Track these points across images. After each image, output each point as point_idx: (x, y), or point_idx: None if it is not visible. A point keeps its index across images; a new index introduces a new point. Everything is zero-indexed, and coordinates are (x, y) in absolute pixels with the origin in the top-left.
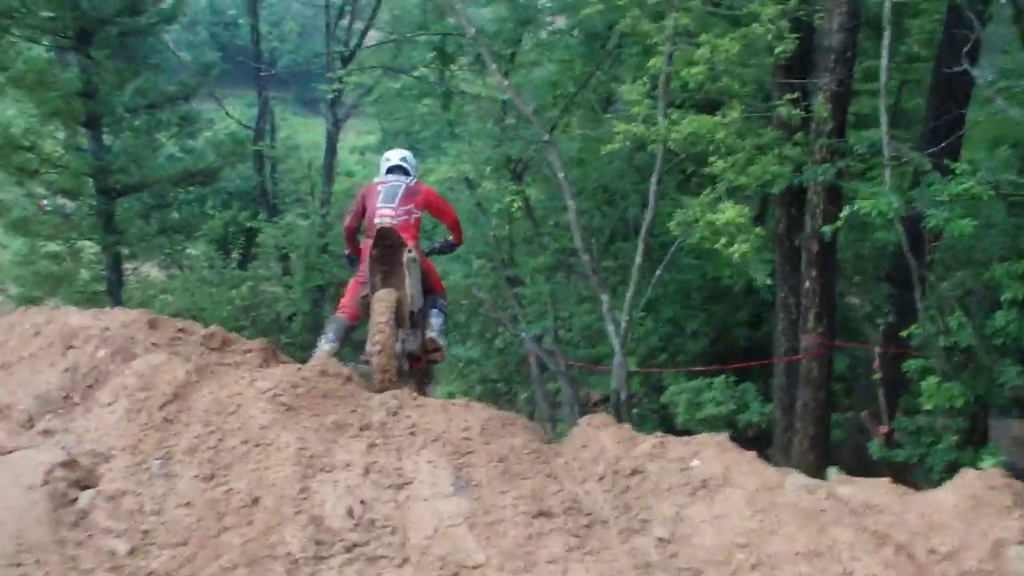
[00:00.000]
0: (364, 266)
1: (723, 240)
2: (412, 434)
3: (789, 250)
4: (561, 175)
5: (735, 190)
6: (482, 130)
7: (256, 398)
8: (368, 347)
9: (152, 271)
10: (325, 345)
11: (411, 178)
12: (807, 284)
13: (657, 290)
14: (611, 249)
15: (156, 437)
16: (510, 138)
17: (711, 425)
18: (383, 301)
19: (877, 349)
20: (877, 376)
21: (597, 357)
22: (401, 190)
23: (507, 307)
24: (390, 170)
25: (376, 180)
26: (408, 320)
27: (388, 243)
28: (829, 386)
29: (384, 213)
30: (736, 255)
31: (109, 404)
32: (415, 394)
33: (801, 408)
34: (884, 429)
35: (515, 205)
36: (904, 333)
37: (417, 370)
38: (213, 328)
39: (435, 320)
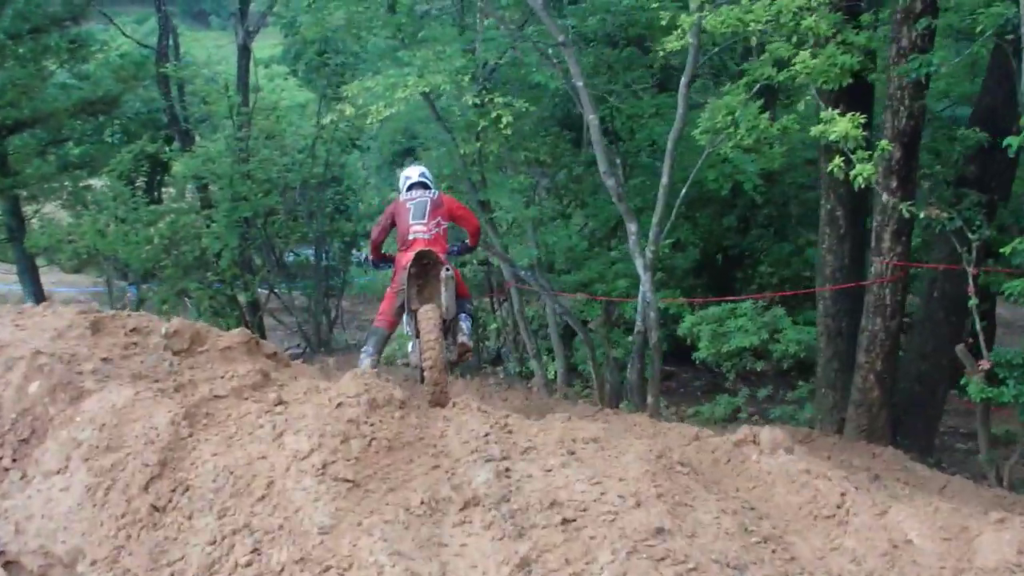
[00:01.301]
0: (399, 278)
1: (837, 161)
2: (548, 506)
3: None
4: (580, 83)
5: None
6: (448, 34)
7: (295, 469)
8: (422, 363)
9: (56, 213)
10: (366, 359)
11: (434, 192)
12: (885, 197)
13: (637, 200)
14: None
15: (146, 544)
16: (484, 40)
17: (739, 358)
18: (430, 319)
19: (971, 269)
20: (973, 302)
21: (583, 283)
22: (428, 205)
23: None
24: (411, 187)
25: (403, 197)
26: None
27: (425, 261)
28: (903, 315)
29: (417, 229)
30: (859, 177)
31: (58, 472)
32: (504, 422)
33: (868, 339)
34: (984, 364)
35: (503, 121)
36: (1005, 250)
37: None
38: (176, 323)
39: (464, 324)
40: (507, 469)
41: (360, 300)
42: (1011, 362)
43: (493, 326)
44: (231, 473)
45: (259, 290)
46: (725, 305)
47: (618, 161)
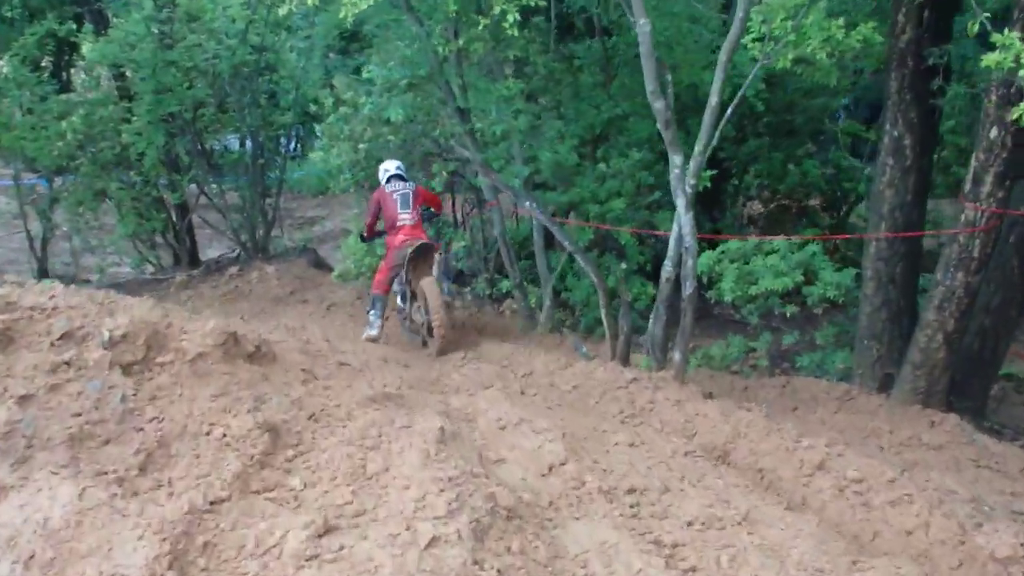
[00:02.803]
0: (393, 255)
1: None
2: None
3: (914, 73)
4: None
5: None
6: None
7: None
8: (432, 323)
9: None
10: (376, 325)
11: (410, 183)
12: (992, 132)
13: (625, 105)
14: None
15: None
16: None
17: (768, 301)
18: (434, 290)
19: None
20: None
21: (571, 203)
22: (411, 197)
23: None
24: (390, 179)
25: (388, 189)
26: None
27: (423, 249)
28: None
29: (404, 217)
30: None
31: None
32: None
33: (942, 295)
34: None
35: (509, 19)
36: None
37: None
38: (123, 321)
39: (446, 285)
40: None
41: (293, 196)
42: None
43: (461, 244)
44: None
45: (187, 188)
46: (749, 240)
47: (668, 78)
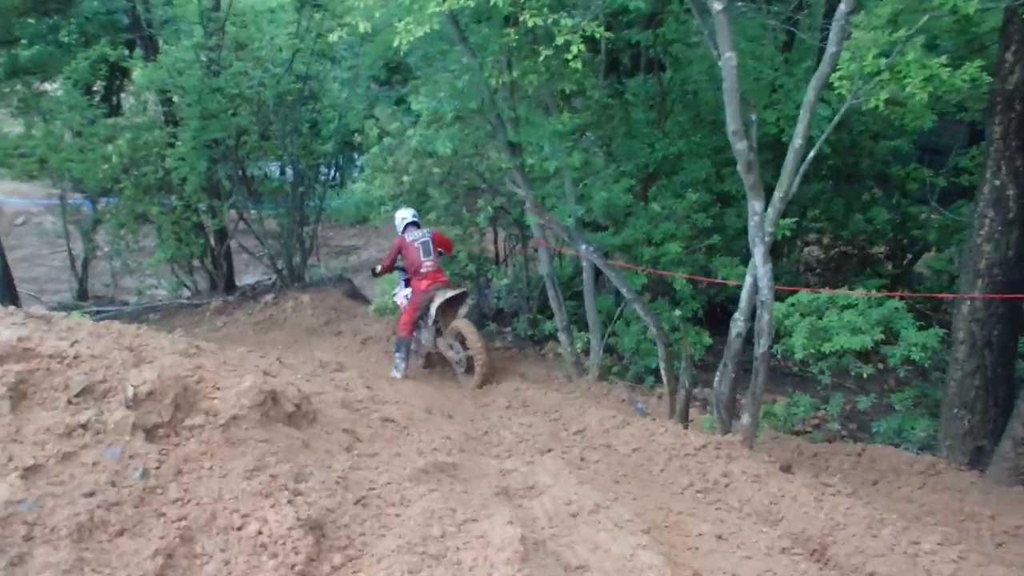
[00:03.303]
0: (419, 299)
1: None
2: None
3: (1022, 118)
4: (719, 5)
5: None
6: None
7: None
8: (475, 362)
9: (6, 121)
10: (401, 368)
11: (427, 230)
12: None
13: (679, 145)
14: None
15: None
16: None
17: (841, 360)
18: (470, 327)
19: None
20: None
21: (624, 244)
22: (430, 244)
23: (495, 180)
24: (406, 226)
25: (409, 238)
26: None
27: (456, 299)
28: None
29: (427, 264)
30: None
31: None
32: None
33: None
34: None
35: (573, 51)
36: None
37: None
38: (149, 375)
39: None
40: None
41: (330, 225)
42: None
43: (504, 281)
44: None
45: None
46: (822, 293)
47: (753, 117)
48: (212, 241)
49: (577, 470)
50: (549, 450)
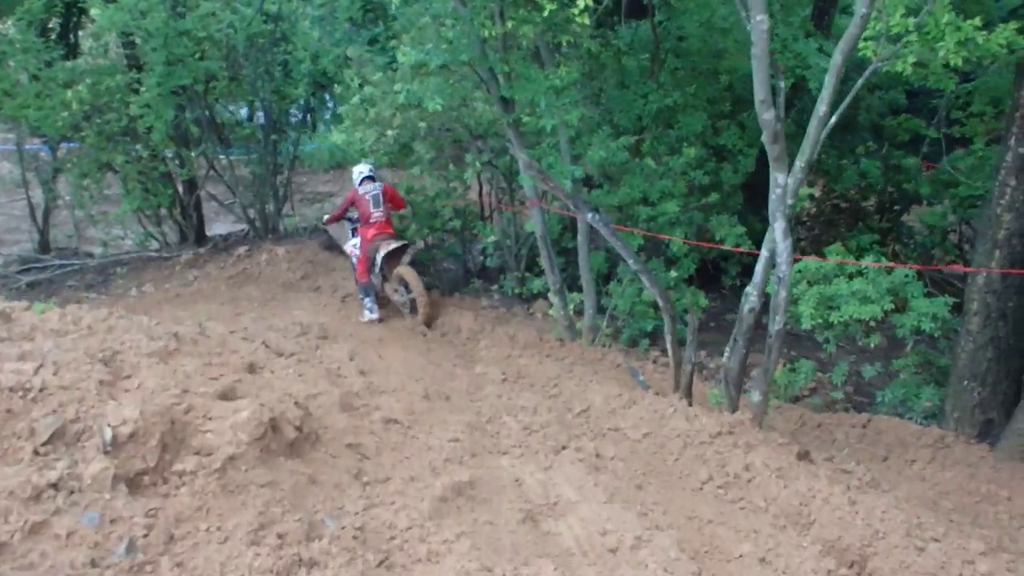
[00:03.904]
0: (368, 247)
1: None
2: None
3: None
4: None
5: None
6: None
7: None
8: (416, 300)
9: None
10: (373, 308)
11: (379, 184)
12: None
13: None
14: None
15: None
16: None
17: (848, 329)
18: (412, 272)
19: None
20: None
21: (619, 204)
22: (381, 197)
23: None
24: (362, 180)
25: (361, 190)
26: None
27: (399, 250)
28: None
29: (376, 215)
30: None
31: None
32: None
33: None
34: None
35: (581, 4)
36: None
37: None
38: (130, 414)
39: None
40: None
41: (303, 171)
42: None
43: (491, 238)
44: None
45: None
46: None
47: (780, 84)
48: (181, 190)
49: (596, 472)
50: (563, 448)
